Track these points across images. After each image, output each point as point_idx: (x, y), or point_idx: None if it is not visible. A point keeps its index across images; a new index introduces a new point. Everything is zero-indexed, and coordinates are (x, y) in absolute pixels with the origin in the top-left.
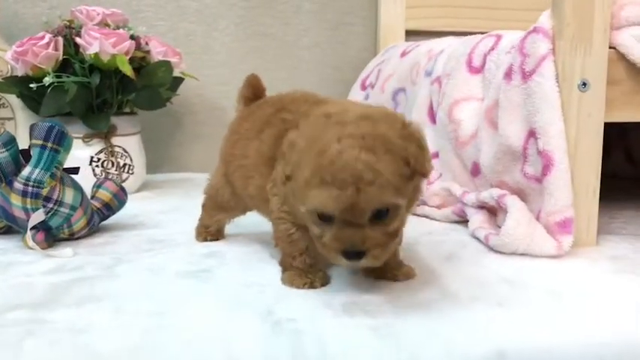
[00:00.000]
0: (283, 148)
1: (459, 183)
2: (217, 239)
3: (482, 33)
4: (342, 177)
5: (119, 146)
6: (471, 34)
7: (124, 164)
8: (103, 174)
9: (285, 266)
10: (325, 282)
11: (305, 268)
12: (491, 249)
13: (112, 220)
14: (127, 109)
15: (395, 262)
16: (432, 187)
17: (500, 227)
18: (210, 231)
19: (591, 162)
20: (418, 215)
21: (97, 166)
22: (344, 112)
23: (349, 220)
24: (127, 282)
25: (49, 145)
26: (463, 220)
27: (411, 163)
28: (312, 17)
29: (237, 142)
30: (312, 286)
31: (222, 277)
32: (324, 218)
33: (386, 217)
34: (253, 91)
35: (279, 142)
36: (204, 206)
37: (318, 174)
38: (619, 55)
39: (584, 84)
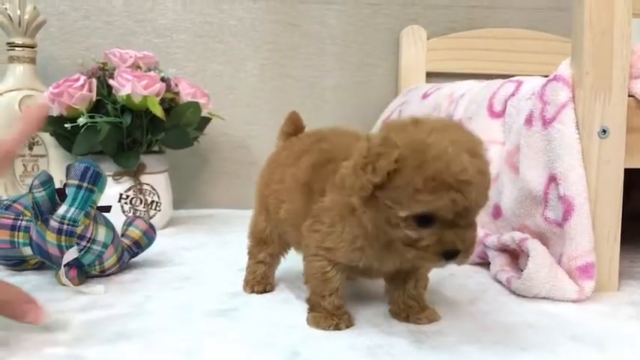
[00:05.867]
0: (353, 161)
1: (480, 225)
2: (265, 289)
3: (500, 75)
4: (463, 180)
5: (147, 184)
6: (489, 76)
7: (152, 201)
8: (132, 211)
9: (312, 305)
10: (350, 324)
11: (332, 310)
12: (513, 292)
13: (141, 256)
14: (156, 148)
15: (420, 306)
16: None
17: (521, 270)
18: (257, 277)
19: (612, 207)
20: None
21: (125, 203)
22: (429, 121)
23: (453, 222)
24: (157, 319)
25: (85, 185)
26: (485, 263)
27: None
28: (335, 59)
29: (275, 168)
30: (337, 327)
31: (249, 317)
32: (425, 221)
33: (474, 220)
34: (294, 127)
35: (315, 170)
36: (249, 252)
37: (435, 178)
38: (638, 104)
39: (604, 131)
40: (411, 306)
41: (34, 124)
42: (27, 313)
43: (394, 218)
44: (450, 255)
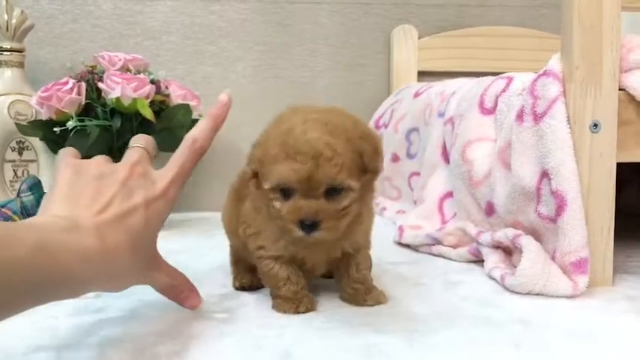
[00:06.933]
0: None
1: (473, 222)
2: (252, 282)
3: (492, 73)
4: (303, 152)
5: None
6: (481, 74)
7: None
8: None
9: (273, 296)
10: (311, 307)
11: (291, 295)
12: (507, 289)
13: None
14: None
15: (366, 287)
16: (447, 227)
17: (515, 267)
18: (244, 270)
19: (605, 201)
20: (434, 255)
21: None
22: (307, 107)
23: (306, 193)
24: (148, 323)
25: None
26: (479, 260)
27: (365, 160)
28: (327, 59)
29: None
30: (296, 311)
31: (241, 319)
32: (285, 193)
33: (339, 196)
34: None
35: (243, 178)
36: (230, 266)
37: (283, 150)
38: (629, 97)
39: (596, 125)
40: (357, 289)
41: (218, 121)
42: (187, 299)
43: (267, 194)
44: (306, 226)
